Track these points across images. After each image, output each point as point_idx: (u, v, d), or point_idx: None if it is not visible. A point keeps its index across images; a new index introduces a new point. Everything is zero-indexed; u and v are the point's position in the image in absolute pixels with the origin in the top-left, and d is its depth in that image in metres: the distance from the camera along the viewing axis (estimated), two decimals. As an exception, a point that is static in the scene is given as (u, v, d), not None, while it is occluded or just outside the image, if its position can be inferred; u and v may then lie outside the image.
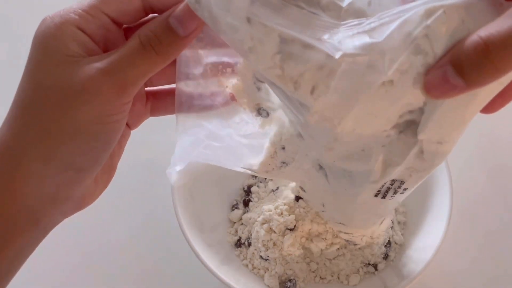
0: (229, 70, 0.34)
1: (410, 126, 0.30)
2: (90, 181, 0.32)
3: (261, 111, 0.36)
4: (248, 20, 0.27)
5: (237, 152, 0.38)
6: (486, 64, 0.23)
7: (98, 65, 0.28)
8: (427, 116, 0.29)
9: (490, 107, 0.29)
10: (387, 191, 0.35)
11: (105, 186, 0.34)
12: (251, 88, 0.35)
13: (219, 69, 0.34)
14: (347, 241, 0.46)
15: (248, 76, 0.34)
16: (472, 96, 0.27)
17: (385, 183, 0.34)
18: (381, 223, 0.43)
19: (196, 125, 0.35)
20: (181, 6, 0.29)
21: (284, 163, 0.38)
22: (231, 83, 0.35)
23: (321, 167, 0.38)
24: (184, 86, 0.33)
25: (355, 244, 0.46)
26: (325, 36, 0.26)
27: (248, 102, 0.36)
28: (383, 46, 0.26)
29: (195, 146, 0.36)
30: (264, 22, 0.27)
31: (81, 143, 0.29)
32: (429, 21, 0.25)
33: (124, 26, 0.32)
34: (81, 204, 0.32)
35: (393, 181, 0.34)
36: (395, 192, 0.35)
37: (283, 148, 0.37)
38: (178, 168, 0.36)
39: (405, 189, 0.34)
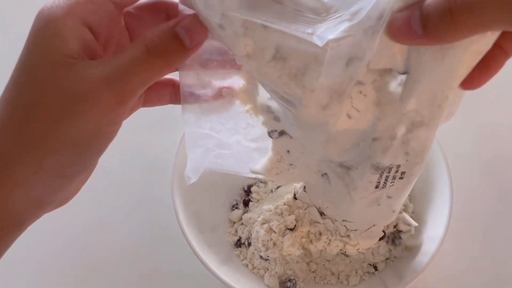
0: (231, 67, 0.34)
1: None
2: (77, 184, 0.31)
3: (271, 133, 0.37)
4: (245, 27, 0.28)
5: (247, 157, 0.39)
6: (447, 18, 0.23)
7: (98, 73, 0.27)
8: (408, 91, 0.30)
9: (472, 83, 0.29)
10: (386, 180, 0.36)
11: (85, 182, 0.32)
12: (254, 93, 0.35)
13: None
14: (342, 251, 0.46)
15: (250, 81, 0.35)
16: (449, 68, 0.28)
17: (382, 172, 0.35)
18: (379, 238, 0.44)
19: (205, 136, 0.36)
20: (189, 16, 0.28)
21: (291, 165, 0.39)
22: (235, 88, 0.35)
23: (323, 174, 0.39)
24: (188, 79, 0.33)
25: (347, 256, 0.47)
26: (309, 30, 0.27)
27: (253, 108, 0.36)
28: (362, 26, 0.26)
29: (206, 156, 0.37)
30: (252, 19, 0.27)
31: (75, 153, 0.28)
32: None
33: (124, 10, 0.31)
34: (63, 202, 0.31)
35: (390, 168, 0.35)
36: (394, 178, 0.36)
37: (288, 151, 0.38)
38: (192, 180, 0.37)
39: (403, 172, 0.35)
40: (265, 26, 0.27)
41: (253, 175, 0.40)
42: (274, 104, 0.35)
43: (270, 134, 0.37)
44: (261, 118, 0.37)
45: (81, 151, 0.28)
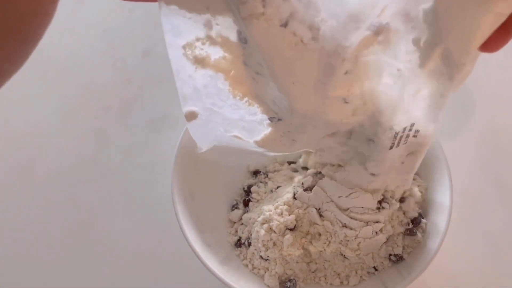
0: None
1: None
2: None
3: (272, 119, 0.37)
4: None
5: (252, 127, 0.39)
6: None
7: None
8: (425, 54, 0.30)
9: (491, 45, 0.28)
10: (400, 140, 0.36)
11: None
12: (248, 82, 0.35)
13: None
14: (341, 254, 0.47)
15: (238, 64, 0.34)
16: (469, 30, 0.27)
17: (397, 133, 0.35)
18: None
19: (207, 110, 0.36)
20: None
21: (294, 140, 0.40)
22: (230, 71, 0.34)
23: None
24: None
25: (347, 258, 0.47)
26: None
27: (250, 94, 0.36)
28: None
29: (214, 130, 0.37)
30: None
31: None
32: None
33: None
34: None
35: (404, 128, 0.35)
36: (408, 137, 0.37)
37: (289, 131, 0.38)
38: (204, 150, 0.37)
39: (417, 130, 0.36)
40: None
41: (258, 149, 0.40)
42: (269, 97, 0.35)
43: (270, 119, 0.37)
44: (258, 106, 0.37)
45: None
